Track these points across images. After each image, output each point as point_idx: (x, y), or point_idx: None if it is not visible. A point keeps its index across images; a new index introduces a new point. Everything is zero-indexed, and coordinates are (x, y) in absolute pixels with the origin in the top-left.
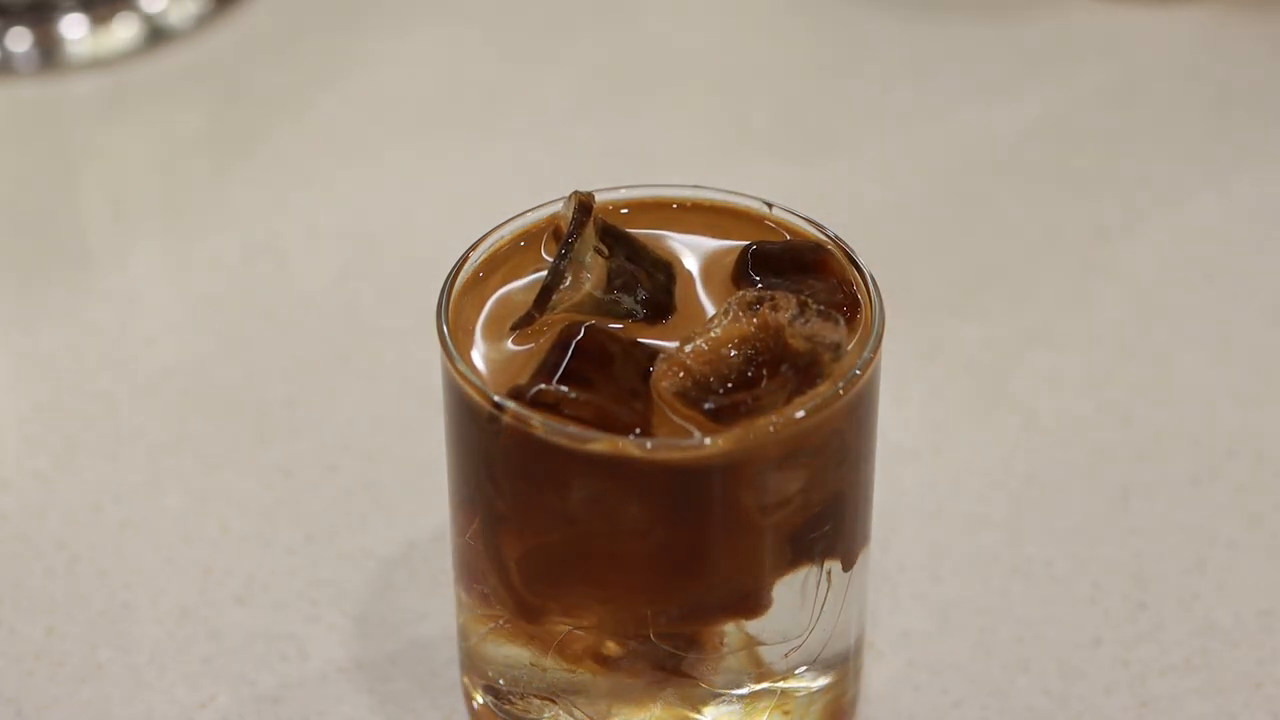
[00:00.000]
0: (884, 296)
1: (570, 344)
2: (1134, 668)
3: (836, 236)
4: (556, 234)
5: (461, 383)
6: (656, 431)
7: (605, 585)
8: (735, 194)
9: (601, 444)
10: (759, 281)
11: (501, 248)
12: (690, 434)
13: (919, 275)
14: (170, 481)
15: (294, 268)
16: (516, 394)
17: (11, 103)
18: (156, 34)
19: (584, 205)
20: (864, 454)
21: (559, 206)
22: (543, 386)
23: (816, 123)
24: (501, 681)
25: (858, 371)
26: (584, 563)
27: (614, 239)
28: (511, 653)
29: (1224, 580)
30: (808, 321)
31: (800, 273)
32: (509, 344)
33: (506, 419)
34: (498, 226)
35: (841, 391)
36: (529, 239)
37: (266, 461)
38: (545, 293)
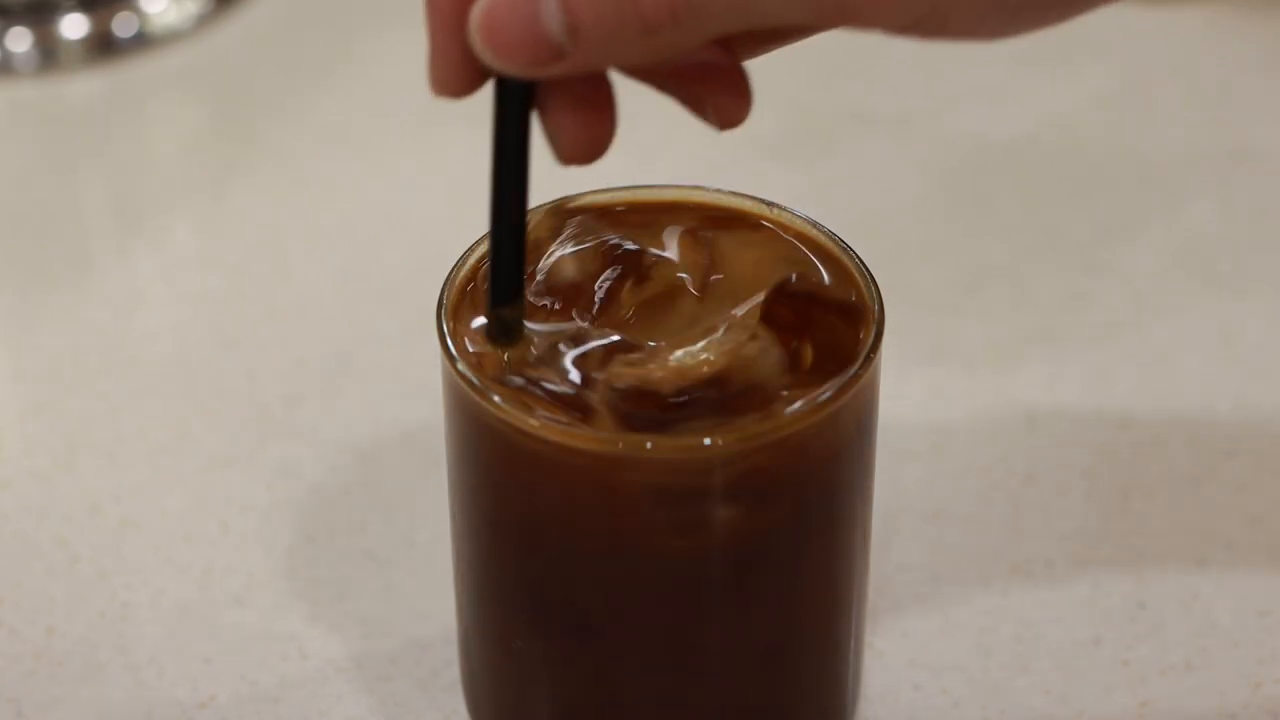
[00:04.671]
0: (884, 296)
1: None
2: (1134, 668)
3: (836, 236)
4: None
5: (461, 383)
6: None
7: (601, 584)
8: (735, 194)
9: (601, 444)
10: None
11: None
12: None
13: (919, 275)
14: (170, 481)
15: (294, 268)
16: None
17: (11, 103)
18: (156, 34)
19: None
20: (864, 454)
21: (558, 207)
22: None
23: (817, 123)
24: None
25: (857, 371)
26: (581, 560)
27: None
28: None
29: (1224, 580)
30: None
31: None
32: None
33: (504, 416)
34: None
35: (841, 391)
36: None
37: (266, 461)
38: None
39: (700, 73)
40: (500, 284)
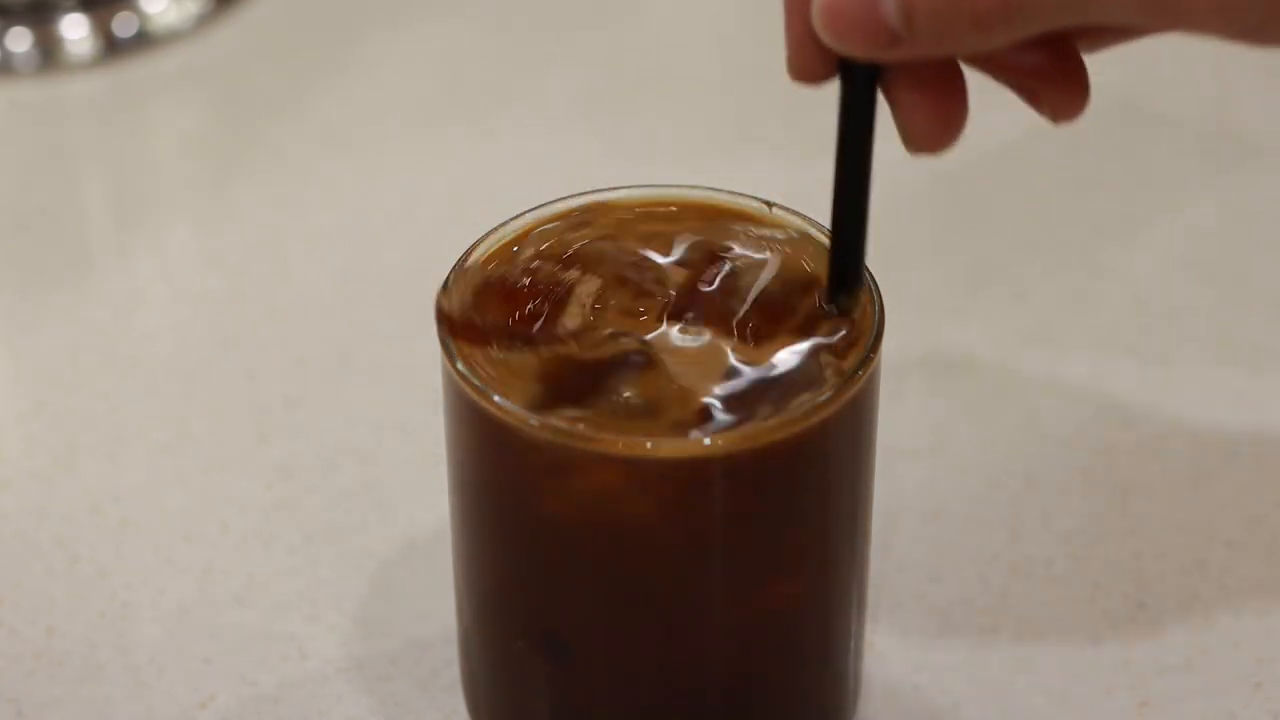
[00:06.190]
0: (884, 296)
1: None
2: (1134, 668)
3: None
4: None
5: (461, 383)
6: None
7: (602, 585)
8: (735, 194)
9: (601, 444)
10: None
11: (501, 248)
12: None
13: (919, 275)
14: (170, 481)
15: (294, 268)
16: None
17: (11, 103)
18: (156, 34)
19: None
20: (864, 454)
21: (558, 207)
22: None
23: (816, 123)
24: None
25: (858, 372)
26: (581, 560)
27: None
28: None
29: (1224, 580)
30: None
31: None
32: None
33: (504, 417)
34: (498, 226)
35: (841, 391)
36: (528, 239)
37: (266, 461)
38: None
39: (1035, 67)
40: (841, 273)
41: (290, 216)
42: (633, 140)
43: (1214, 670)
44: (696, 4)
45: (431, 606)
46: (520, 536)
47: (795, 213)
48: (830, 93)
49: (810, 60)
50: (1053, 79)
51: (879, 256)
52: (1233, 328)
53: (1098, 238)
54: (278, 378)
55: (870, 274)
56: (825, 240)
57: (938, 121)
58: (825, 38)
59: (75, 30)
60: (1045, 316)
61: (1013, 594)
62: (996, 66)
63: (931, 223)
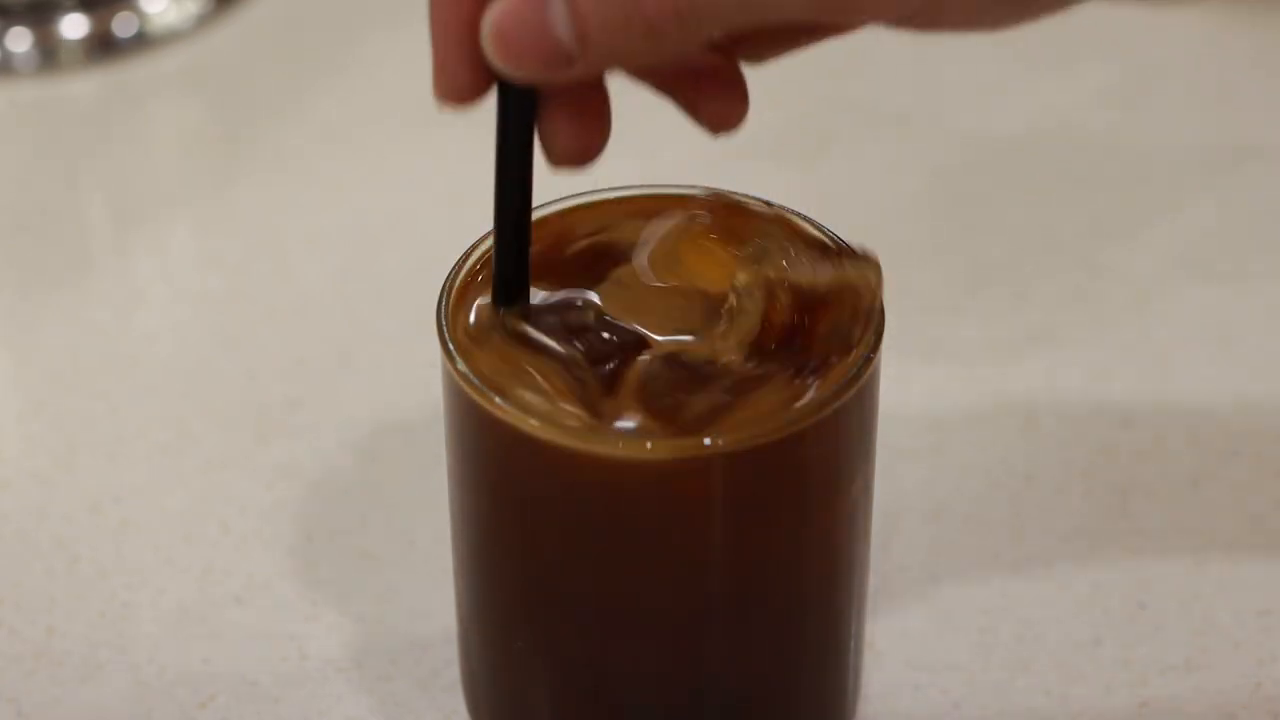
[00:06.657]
0: (884, 296)
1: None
2: (1134, 668)
3: (836, 236)
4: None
5: (461, 383)
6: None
7: (603, 585)
8: (735, 194)
9: (601, 444)
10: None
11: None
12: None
13: (919, 275)
14: (170, 481)
15: (294, 268)
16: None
17: (11, 103)
18: (156, 34)
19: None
20: (864, 454)
21: (559, 206)
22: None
23: (817, 123)
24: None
25: (858, 372)
26: (580, 561)
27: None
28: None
29: (1224, 580)
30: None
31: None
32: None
33: (504, 416)
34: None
35: (841, 391)
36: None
37: (266, 461)
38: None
39: (698, 76)
40: (504, 286)
41: (290, 216)
42: (633, 140)
43: (1214, 670)
44: None
45: (431, 606)
46: (520, 537)
47: (795, 213)
48: (832, 92)
49: (462, 82)
50: (713, 90)
51: (879, 256)
52: (1233, 328)
53: (1098, 238)
54: (278, 378)
55: None
56: (828, 241)
57: (580, 142)
58: (496, 62)
59: (75, 30)
60: (1045, 316)
61: (1013, 594)
62: (659, 79)
63: (931, 223)
